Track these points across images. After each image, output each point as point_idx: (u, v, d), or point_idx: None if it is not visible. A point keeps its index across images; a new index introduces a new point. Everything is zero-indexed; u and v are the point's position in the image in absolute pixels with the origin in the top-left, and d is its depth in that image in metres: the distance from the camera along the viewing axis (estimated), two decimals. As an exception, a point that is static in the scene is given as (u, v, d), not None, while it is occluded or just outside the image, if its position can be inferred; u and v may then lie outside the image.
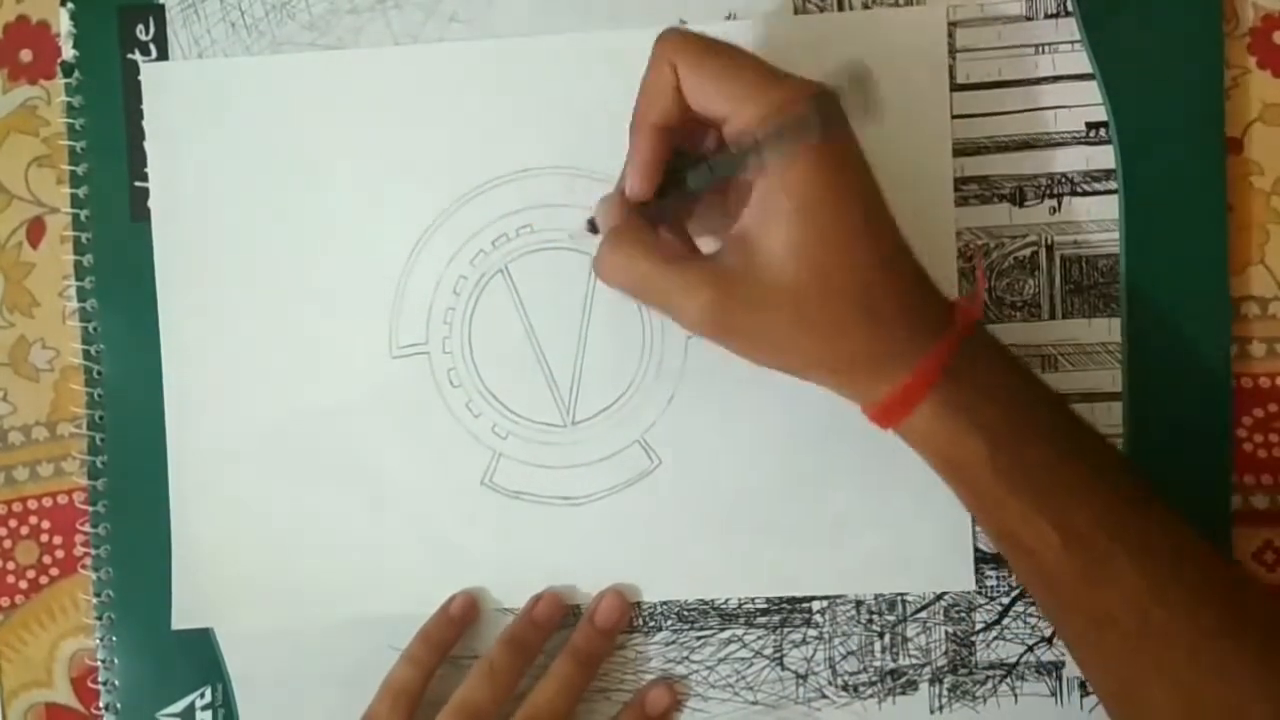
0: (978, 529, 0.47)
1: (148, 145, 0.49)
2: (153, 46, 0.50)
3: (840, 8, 0.47)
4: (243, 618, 0.49)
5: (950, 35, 0.47)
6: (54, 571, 0.50)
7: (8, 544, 0.51)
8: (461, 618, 0.48)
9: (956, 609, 0.47)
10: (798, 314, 0.39)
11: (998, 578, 0.47)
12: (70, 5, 0.50)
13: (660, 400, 0.48)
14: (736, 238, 0.39)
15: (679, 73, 0.39)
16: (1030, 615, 0.47)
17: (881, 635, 0.48)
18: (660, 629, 0.48)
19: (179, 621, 0.49)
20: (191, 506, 0.49)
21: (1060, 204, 0.47)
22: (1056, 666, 0.47)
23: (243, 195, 0.49)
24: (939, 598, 0.47)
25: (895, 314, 0.39)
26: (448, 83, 0.48)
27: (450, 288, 0.49)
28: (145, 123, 0.49)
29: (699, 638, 0.48)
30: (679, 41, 0.39)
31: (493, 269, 0.49)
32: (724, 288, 0.39)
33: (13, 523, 0.51)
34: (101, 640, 0.49)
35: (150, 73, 0.49)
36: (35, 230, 0.51)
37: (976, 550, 0.47)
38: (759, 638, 0.48)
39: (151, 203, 0.49)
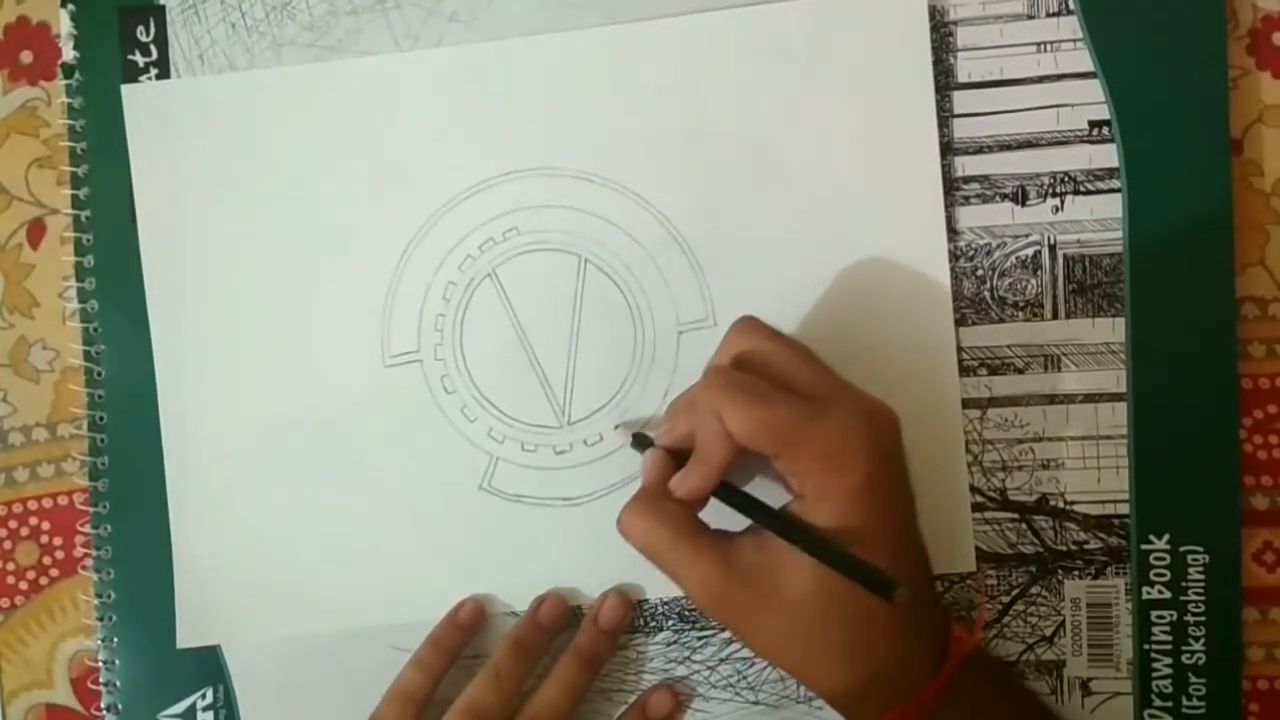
0: (978, 515, 0.44)
1: (133, 164, 0.47)
2: (153, 48, 0.47)
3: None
4: (247, 633, 0.47)
5: (951, 34, 0.44)
6: (54, 572, 0.48)
7: (8, 545, 0.48)
8: (470, 624, 0.45)
9: (957, 607, 0.44)
10: (795, 627, 0.38)
11: (998, 577, 0.44)
12: (70, 6, 0.47)
13: (655, 396, 0.45)
14: (761, 531, 0.39)
15: (725, 420, 0.38)
16: (1030, 614, 0.44)
17: (882, 635, 0.44)
18: (662, 629, 0.46)
19: (184, 640, 0.47)
20: (191, 523, 0.47)
21: (1063, 203, 0.44)
22: (1057, 665, 0.44)
23: (228, 211, 0.47)
24: (939, 595, 0.44)
25: (888, 658, 0.38)
26: (427, 90, 0.46)
27: (440, 294, 0.46)
28: (129, 143, 0.46)
29: (700, 638, 0.45)
30: (721, 392, 0.38)
31: (481, 273, 0.46)
32: (730, 577, 0.38)
33: (13, 523, 0.48)
34: (103, 641, 0.47)
35: (131, 94, 0.47)
36: (35, 231, 0.48)
37: (976, 548, 0.44)
38: (760, 638, 0.45)
39: (139, 221, 0.47)
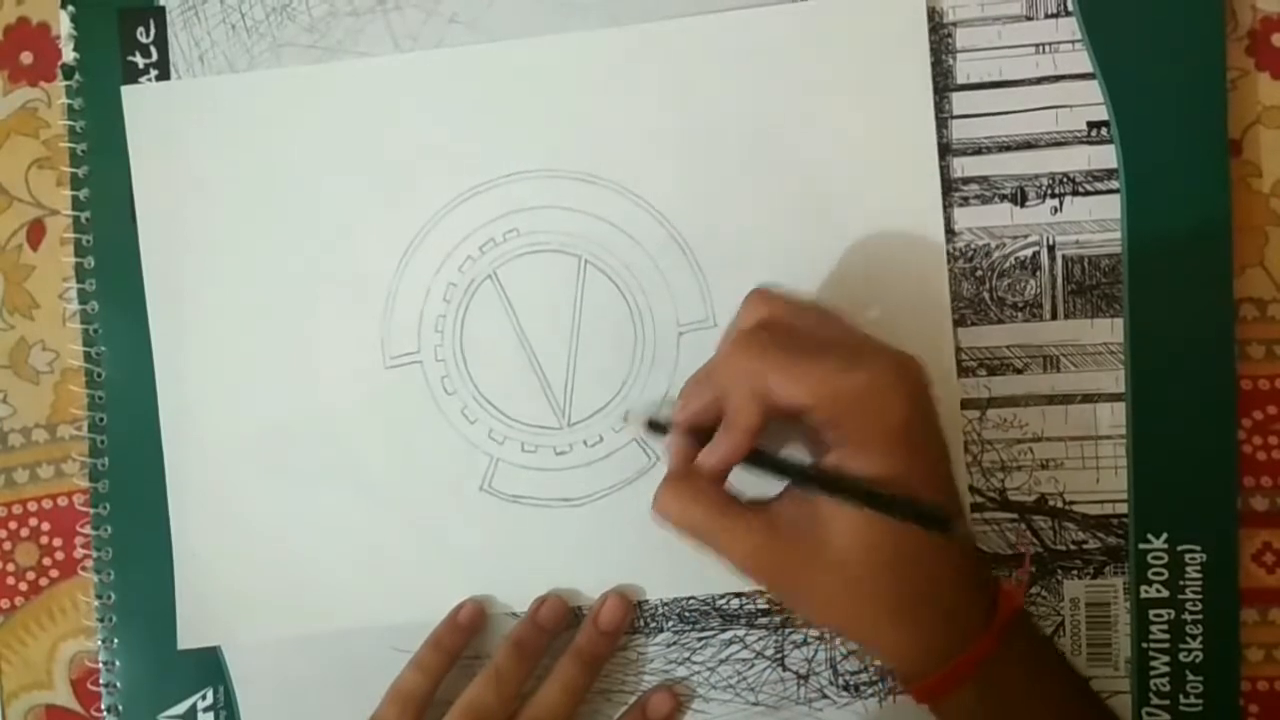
0: (977, 515, 0.44)
1: (133, 165, 0.46)
2: (153, 49, 0.47)
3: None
4: (247, 633, 0.46)
5: (950, 35, 0.44)
6: (54, 573, 0.48)
7: (7, 546, 0.48)
8: (470, 625, 0.45)
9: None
10: (844, 583, 0.37)
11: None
12: (71, 8, 0.47)
13: (655, 396, 0.45)
14: (800, 491, 0.38)
15: (765, 381, 0.37)
16: (1030, 614, 0.44)
17: (882, 635, 0.44)
18: (662, 630, 0.45)
19: (185, 641, 0.46)
20: (191, 524, 0.47)
21: (1062, 204, 0.44)
22: (1056, 666, 0.44)
23: (229, 212, 0.46)
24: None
25: (939, 609, 0.38)
26: (428, 91, 0.46)
27: (440, 295, 0.46)
28: (129, 144, 0.46)
29: (700, 639, 0.45)
30: (751, 352, 0.38)
31: (481, 275, 0.46)
32: (775, 540, 0.38)
33: (12, 524, 0.48)
34: (103, 642, 0.47)
35: (131, 95, 0.47)
36: (35, 232, 0.48)
37: (976, 548, 0.44)
38: (760, 638, 0.45)
39: (139, 222, 0.46)
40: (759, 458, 0.39)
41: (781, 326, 0.39)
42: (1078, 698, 0.40)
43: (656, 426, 0.42)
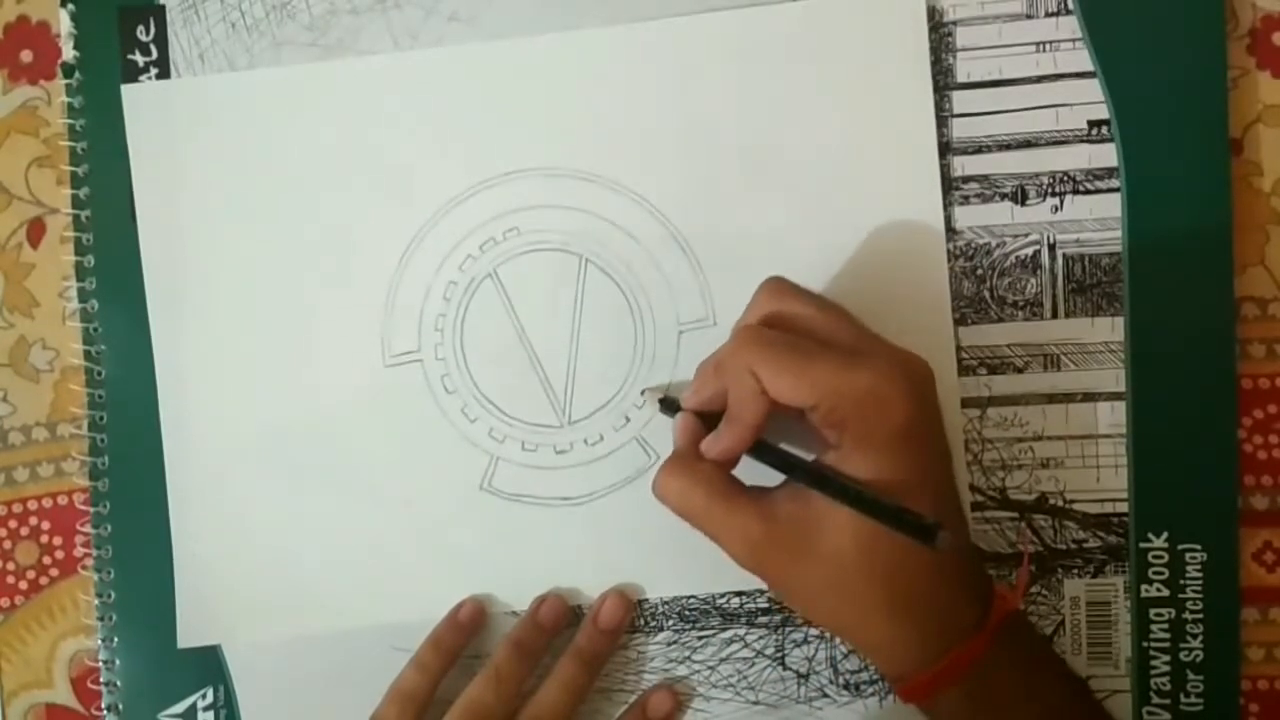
0: (978, 514, 0.44)
1: (132, 164, 0.46)
2: (153, 47, 0.47)
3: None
4: (247, 633, 0.47)
5: (950, 33, 0.44)
6: (54, 572, 0.48)
7: (8, 544, 0.48)
8: (470, 624, 0.45)
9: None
10: (836, 579, 0.38)
11: (996, 576, 0.44)
12: (70, 6, 0.47)
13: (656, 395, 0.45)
14: (797, 486, 0.39)
15: (760, 377, 0.38)
16: (1030, 613, 0.44)
17: (882, 634, 0.44)
18: (662, 629, 0.46)
19: (185, 640, 0.47)
20: (191, 523, 0.47)
21: (1062, 203, 0.44)
22: (1056, 665, 0.44)
23: (229, 211, 0.47)
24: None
25: (931, 610, 0.38)
26: (428, 90, 0.46)
27: (440, 294, 0.46)
28: (129, 143, 0.46)
29: (700, 637, 0.45)
30: (755, 349, 0.38)
31: (482, 273, 0.46)
32: (769, 531, 0.38)
33: (13, 523, 0.48)
34: (103, 641, 0.47)
35: (131, 94, 0.47)
36: (35, 231, 0.48)
37: (976, 547, 0.44)
38: (760, 637, 0.45)
39: (139, 221, 0.46)
40: (760, 448, 0.39)
41: (787, 323, 0.39)
42: (1074, 700, 0.40)
43: (670, 404, 0.43)
